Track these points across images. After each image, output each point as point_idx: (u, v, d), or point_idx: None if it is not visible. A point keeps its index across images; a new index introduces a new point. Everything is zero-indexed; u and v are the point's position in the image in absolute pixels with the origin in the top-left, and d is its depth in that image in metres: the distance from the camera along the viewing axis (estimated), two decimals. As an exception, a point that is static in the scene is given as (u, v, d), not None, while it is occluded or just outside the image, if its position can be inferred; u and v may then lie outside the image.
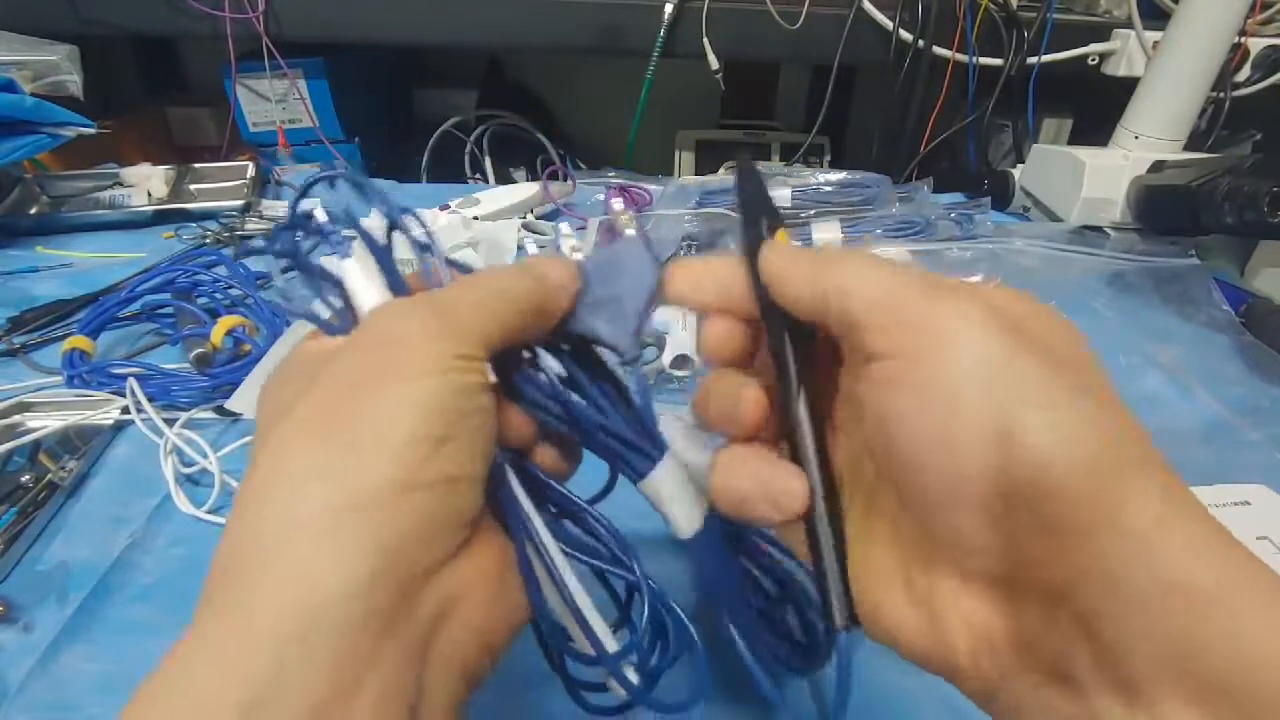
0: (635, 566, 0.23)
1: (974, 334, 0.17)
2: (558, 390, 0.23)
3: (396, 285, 0.23)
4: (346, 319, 0.23)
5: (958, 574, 0.18)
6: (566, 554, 0.23)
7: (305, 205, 0.23)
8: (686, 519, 0.25)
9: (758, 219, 0.23)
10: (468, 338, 0.20)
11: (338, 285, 0.23)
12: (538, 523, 0.22)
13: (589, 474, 0.25)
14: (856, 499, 0.21)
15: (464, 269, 0.24)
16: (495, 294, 0.21)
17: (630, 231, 0.61)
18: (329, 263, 0.23)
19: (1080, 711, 0.16)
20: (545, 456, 0.24)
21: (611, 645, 0.23)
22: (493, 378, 0.21)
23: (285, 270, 0.23)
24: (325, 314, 0.23)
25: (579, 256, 0.25)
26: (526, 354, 0.24)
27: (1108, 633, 0.15)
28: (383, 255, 0.23)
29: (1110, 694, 0.15)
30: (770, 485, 0.20)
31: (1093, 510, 0.15)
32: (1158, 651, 0.14)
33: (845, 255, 0.20)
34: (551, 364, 0.24)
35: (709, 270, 0.23)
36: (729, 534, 0.27)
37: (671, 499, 0.24)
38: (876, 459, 0.20)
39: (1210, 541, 0.15)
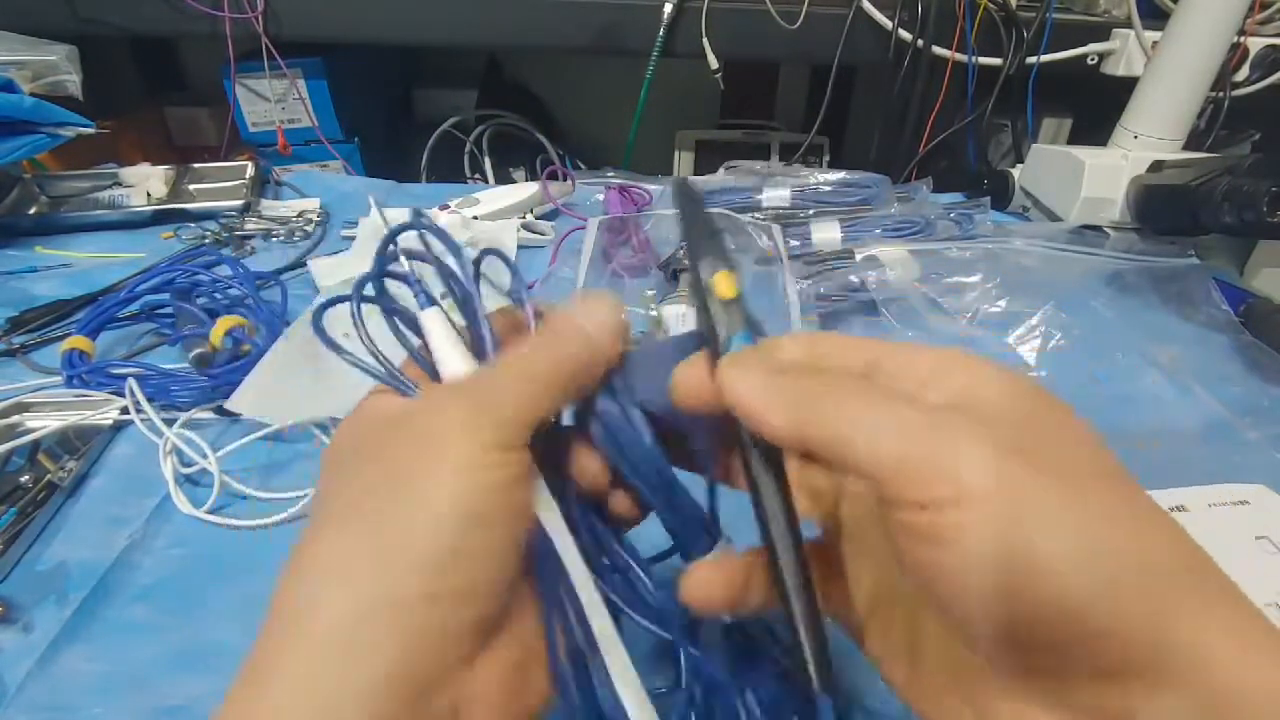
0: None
1: (989, 483, 0.16)
2: (659, 461, 0.22)
3: (480, 338, 0.23)
4: (428, 368, 0.23)
5: (1020, 700, 0.18)
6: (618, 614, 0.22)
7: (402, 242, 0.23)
8: None
9: (700, 260, 0.22)
10: (509, 427, 0.19)
11: (419, 335, 0.23)
12: (588, 589, 0.21)
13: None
14: (894, 621, 0.21)
15: (544, 314, 0.24)
16: (548, 369, 0.21)
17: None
18: (420, 314, 0.23)
19: None
20: (621, 503, 0.24)
21: None
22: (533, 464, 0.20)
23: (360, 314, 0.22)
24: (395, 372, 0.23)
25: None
26: (612, 408, 0.22)
27: None
28: (470, 303, 0.23)
29: None
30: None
31: (1140, 646, 0.15)
32: None
33: (830, 388, 0.18)
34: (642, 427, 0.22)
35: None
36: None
37: None
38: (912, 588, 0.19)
39: (1264, 644, 0.15)
